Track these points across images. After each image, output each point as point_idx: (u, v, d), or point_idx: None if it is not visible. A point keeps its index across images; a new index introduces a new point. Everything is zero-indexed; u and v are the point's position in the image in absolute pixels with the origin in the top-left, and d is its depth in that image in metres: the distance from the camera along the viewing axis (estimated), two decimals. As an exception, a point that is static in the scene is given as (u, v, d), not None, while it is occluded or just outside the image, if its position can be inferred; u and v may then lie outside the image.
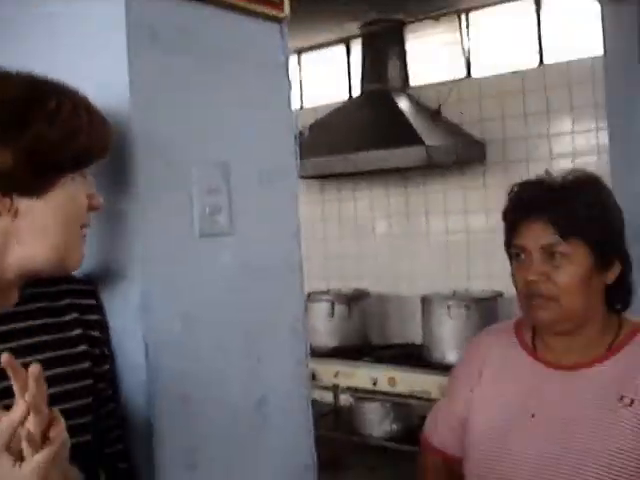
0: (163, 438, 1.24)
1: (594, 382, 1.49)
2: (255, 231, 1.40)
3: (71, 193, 1.10)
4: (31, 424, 0.91)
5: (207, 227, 1.32)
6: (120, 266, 1.28)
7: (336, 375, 5.19)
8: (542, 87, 4.87)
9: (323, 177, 5.68)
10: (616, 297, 1.55)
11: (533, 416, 1.50)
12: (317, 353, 5.25)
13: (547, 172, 1.58)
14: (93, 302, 1.27)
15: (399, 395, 4.76)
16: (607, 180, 1.61)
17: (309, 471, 1.59)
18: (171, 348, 1.26)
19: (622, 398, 1.45)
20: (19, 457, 0.91)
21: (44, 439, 0.93)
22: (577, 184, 1.54)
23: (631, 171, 4.13)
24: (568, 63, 4.74)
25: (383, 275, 5.86)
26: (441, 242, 5.49)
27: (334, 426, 5.62)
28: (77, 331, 1.21)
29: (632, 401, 1.44)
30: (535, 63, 4.93)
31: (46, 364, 1.03)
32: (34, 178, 1.07)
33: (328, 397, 5.91)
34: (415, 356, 4.90)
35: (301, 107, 6.27)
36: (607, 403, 1.45)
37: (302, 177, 5.30)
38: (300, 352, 1.48)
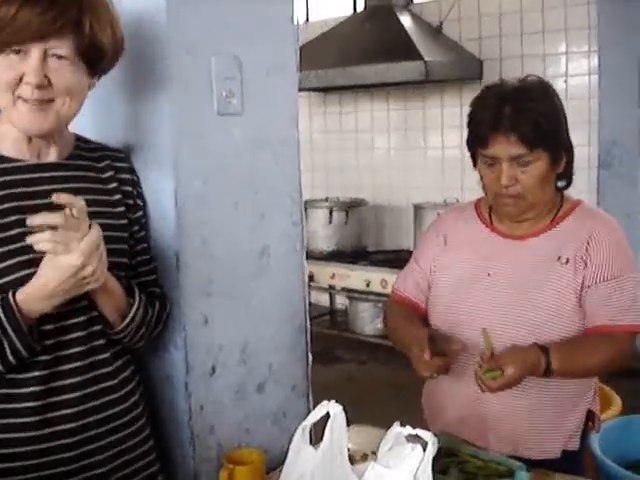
0: (187, 270, 1.58)
1: (539, 248, 1.80)
2: (261, 113, 1.70)
3: None
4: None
5: (223, 107, 1.62)
6: (155, 137, 1.59)
7: (332, 277, 5.47)
8: (539, 7, 5.05)
9: (326, 90, 5.83)
10: (562, 179, 1.84)
11: (489, 275, 1.82)
12: (315, 256, 5.54)
13: (502, 80, 1.79)
14: (126, 165, 1.57)
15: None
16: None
17: (302, 334, 1.87)
18: (194, 201, 1.58)
19: (559, 258, 1.76)
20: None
21: None
22: (534, 94, 1.74)
23: (620, 92, 4.38)
24: (565, -16, 4.89)
25: (380, 186, 6.08)
26: (437, 156, 5.68)
27: (330, 325, 6.00)
28: (113, 184, 1.52)
29: (567, 260, 1.75)
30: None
31: (89, 203, 1.36)
32: None
33: (324, 300, 6.27)
34: (406, 260, 5.10)
35: (307, 20, 6.39)
36: (548, 263, 1.77)
37: (305, 89, 5.53)
38: (296, 215, 1.78)
